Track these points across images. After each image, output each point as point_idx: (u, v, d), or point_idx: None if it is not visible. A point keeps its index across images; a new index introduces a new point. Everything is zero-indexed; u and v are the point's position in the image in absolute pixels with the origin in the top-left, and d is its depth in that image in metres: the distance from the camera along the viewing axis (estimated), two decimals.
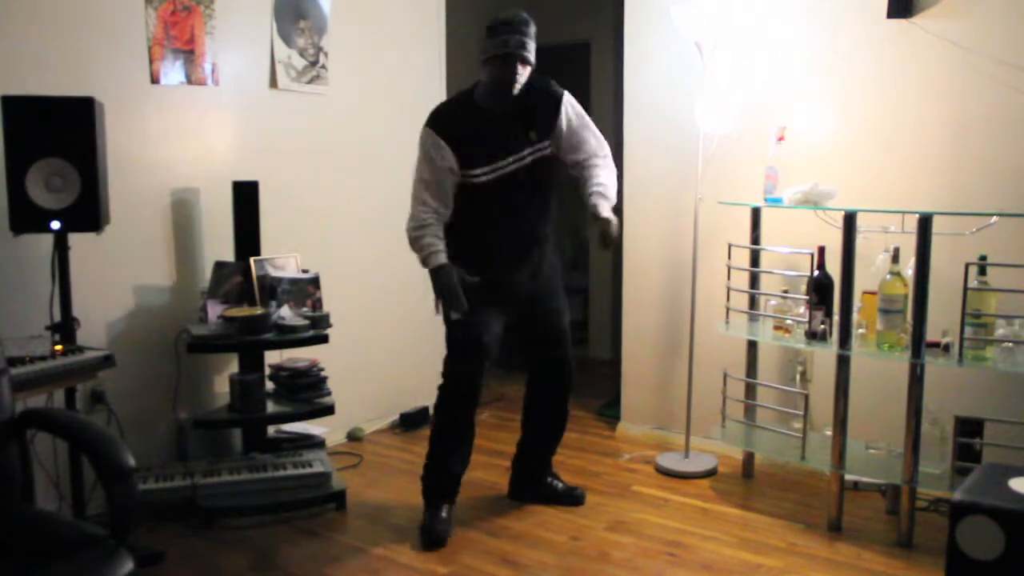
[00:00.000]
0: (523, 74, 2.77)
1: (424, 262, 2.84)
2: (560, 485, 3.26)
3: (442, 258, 2.82)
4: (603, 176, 2.89)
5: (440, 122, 2.86)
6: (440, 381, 2.98)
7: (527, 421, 3.23)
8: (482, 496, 3.29)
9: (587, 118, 2.97)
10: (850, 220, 2.89)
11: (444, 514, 2.95)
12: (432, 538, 2.87)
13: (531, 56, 2.76)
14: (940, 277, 2.80)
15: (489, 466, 3.55)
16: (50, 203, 2.56)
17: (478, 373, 2.92)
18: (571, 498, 3.22)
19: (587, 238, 2.72)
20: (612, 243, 2.81)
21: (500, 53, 2.71)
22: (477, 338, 2.89)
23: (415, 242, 2.84)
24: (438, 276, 2.81)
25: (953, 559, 2.09)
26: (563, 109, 2.90)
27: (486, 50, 2.75)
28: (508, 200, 2.90)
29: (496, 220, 2.92)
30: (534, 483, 3.25)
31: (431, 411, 3.09)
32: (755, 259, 3.37)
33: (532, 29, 2.75)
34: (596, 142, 2.95)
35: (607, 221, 2.79)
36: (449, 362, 2.95)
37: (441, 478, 3.00)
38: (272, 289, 3.31)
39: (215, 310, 3.19)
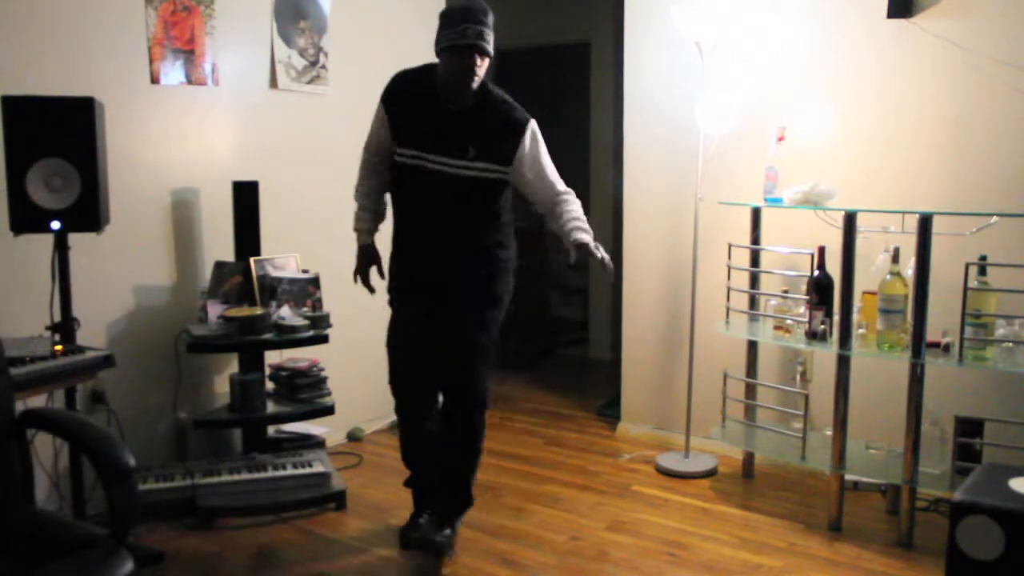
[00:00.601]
0: (482, 67, 2.53)
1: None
2: (427, 529, 2.81)
3: (363, 237, 2.84)
4: (577, 209, 2.60)
5: (393, 85, 2.70)
6: None
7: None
8: (482, 496, 3.29)
9: (545, 152, 2.67)
10: (850, 220, 2.89)
11: (422, 521, 2.89)
12: (403, 543, 2.83)
13: (491, 48, 2.55)
14: (940, 277, 2.80)
15: (489, 466, 3.54)
16: (50, 203, 2.55)
17: (403, 371, 2.84)
18: (425, 543, 2.78)
19: (563, 264, 2.56)
20: (610, 268, 2.48)
21: (459, 44, 2.48)
22: (390, 334, 2.87)
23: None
24: (359, 252, 2.86)
25: (953, 559, 2.10)
26: (525, 138, 2.58)
27: (440, 39, 2.53)
28: (421, 199, 2.68)
29: (410, 215, 2.74)
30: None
31: None
32: (755, 259, 3.37)
33: (491, 19, 2.55)
34: (555, 176, 2.66)
35: (593, 247, 2.48)
36: None
37: (410, 485, 2.96)
38: (272, 289, 3.31)
39: (215, 310, 3.19)
